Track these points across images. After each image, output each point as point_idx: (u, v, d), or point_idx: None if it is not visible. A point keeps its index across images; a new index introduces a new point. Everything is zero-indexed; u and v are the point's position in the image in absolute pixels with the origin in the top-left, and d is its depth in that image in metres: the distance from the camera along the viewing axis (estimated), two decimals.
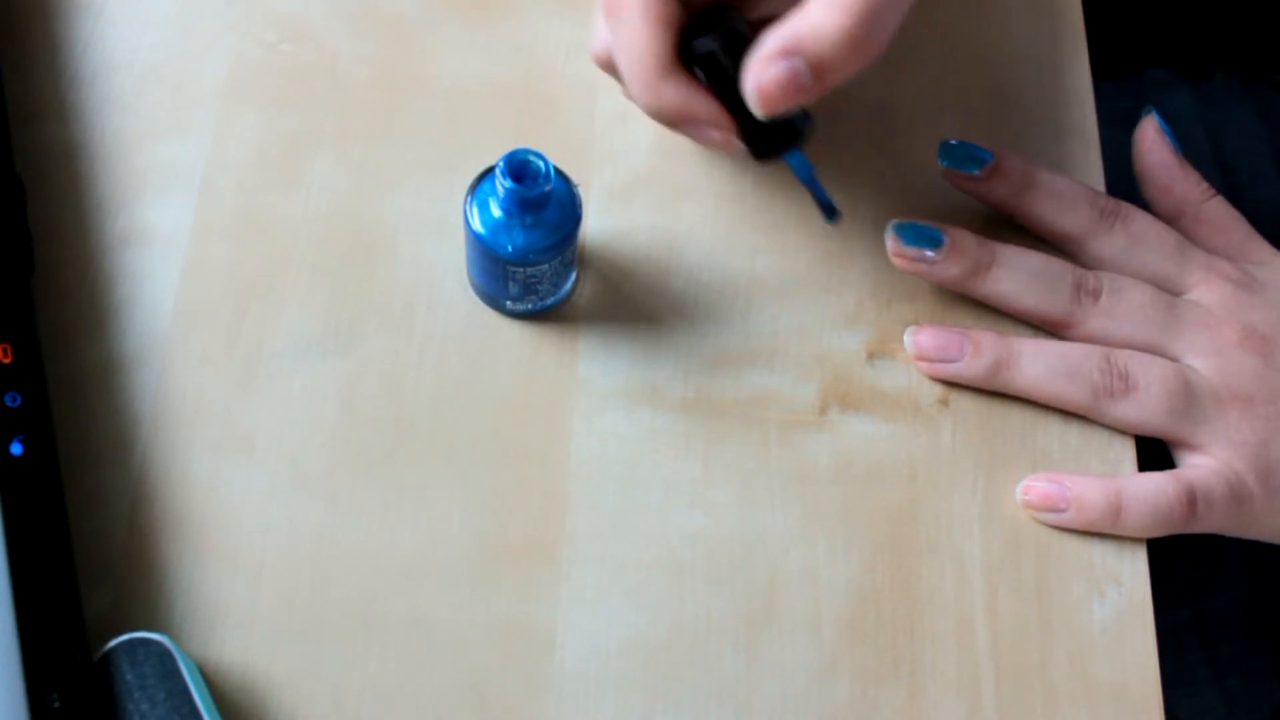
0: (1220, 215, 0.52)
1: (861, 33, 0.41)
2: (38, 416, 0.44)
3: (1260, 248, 0.52)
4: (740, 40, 0.43)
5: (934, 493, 0.48)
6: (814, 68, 0.41)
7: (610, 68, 0.46)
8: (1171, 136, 0.52)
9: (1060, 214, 0.50)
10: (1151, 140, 0.52)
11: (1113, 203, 0.50)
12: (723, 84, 0.44)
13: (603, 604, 0.46)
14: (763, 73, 0.42)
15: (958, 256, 0.49)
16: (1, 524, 0.42)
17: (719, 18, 0.44)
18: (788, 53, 0.41)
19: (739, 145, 0.45)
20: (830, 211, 0.47)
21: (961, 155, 0.50)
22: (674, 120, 0.44)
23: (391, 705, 0.44)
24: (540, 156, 0.44)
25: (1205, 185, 0.52)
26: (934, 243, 0.49)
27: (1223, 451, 0.47)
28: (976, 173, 0.50)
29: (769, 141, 0.45)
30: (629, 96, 0.46)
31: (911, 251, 0.49)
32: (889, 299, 0.51)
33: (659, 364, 0.49)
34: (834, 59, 0.41)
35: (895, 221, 0.50)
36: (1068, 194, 0.50)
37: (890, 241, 0.49)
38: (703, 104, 0.44)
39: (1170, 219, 0.52)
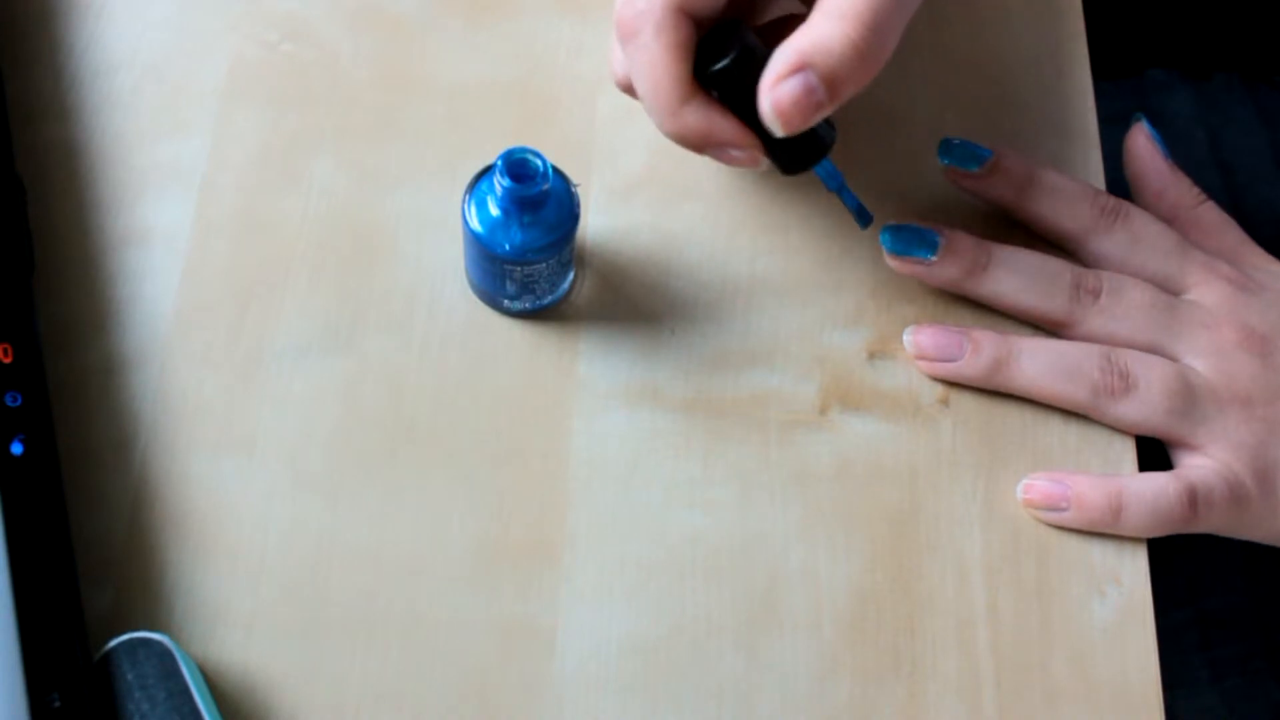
0: (1212, 220, 0.52)
1: (867, 42, 0.41)
2: (38, 416, 0.44)
3: (1253, 252, 0.52)
4: (754, 57, 0.43)
5: (934, 493, 0.48)
6: (825, 81, 0.41)
7: (630, 91, 0.46)
8: (1161, 142, 0.52)
9: (1061, 212, 0.50)
10: (1142, 146, 0.52)
11: (1113, 201, 0.50)
12: (741, 103, 0.43)
13: (603, 604, 0.46)
14: (777, 92, 0.41)
15: (954, 257, 0.49)
16: (2, 524, 0.42)
17: (730, 34, 0.44)
18: (798, 68, 0.41)
19: (765, 163, 0.45)
20: (863, 217, 0.48)
21: (961, 153, 0.50)
22: (697, 144, 0.44)
23: (391, 705, 0.44)
24: (538, 155, 0.44)
25: (1197, 190, 0.52)
26: (930, 244, 0.49)
27: (1221, 452, 0.47)
28: (976, 170, 0.50)
29: (795, 156, 0.45)
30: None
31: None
32: (889, 299, 0.51)
33: (659, 364, 0.49)
34: (844, 70, 0.41)
35: (890, 225, 0.50)
36: (1068, 192, 0.50)
37: (885, 244, 0.50)
38: (725, 125, 0.44)
39: None
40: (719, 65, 0.43)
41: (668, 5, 0.43)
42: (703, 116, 0.43)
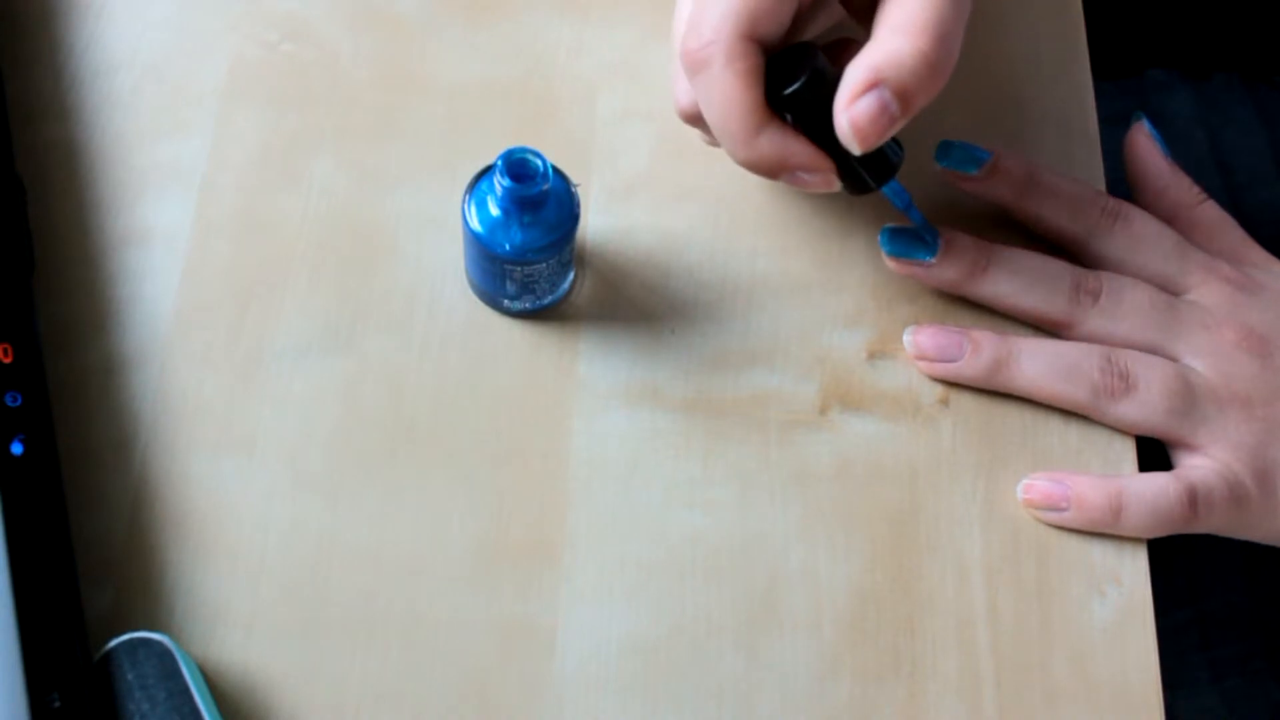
0: (1213, 219, 0.52)
1: (936, 53, 0.41)
2: (38, 416, 0.44)
3: (1253, 251, 0.52)
4: (825, 78, 0.43)
5: (934, 493, 0.48)
6: (899, 95, 0.41)
7: (697, 121, 0.46)
8: (1161, 141, 0.52)
9: (1062, 214, 0.50)
10: (1142, 145, 0.52)
11: (1114, 202, 0.50)
12: (813, 125, 0.43)
13: (603, 604, 0.46)
14: (854, 110, 0.41)
15: (954, 259, 0.49)
16: (2, 524, 0.42)
17: (799, 58, 0.44)
18: (871, 85, 0.41)
19: (838, 185, 0.45)
20: (930, 232, 0.49)
21: (959, 156, 0.50)
22: (772, 170, 0.44)
23: (391, 705, 0.44)
24: (538, 155, 0.44)
25: (1197, 190, 0.52)
26: (929, 246, 0.49)
27: (1221, 452, 0.47)
28: (975, 173, 0.50)
29: (866, 176, 0.45)
30: (713, 145, 0.45)
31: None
32: (889, 299, 0.51)
33: (659, 364, 0.49)
34: (916, 83, 0.41)
35: (889, 226, 0.50)
36: (1069, 194, 0.50)
37: (884, 247, 0.50)
38: (799, 149, 0.44)
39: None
40: (792, 88, 0.43)
41: (737, 33, 0.42)
42: (778, 142, 0.43)
